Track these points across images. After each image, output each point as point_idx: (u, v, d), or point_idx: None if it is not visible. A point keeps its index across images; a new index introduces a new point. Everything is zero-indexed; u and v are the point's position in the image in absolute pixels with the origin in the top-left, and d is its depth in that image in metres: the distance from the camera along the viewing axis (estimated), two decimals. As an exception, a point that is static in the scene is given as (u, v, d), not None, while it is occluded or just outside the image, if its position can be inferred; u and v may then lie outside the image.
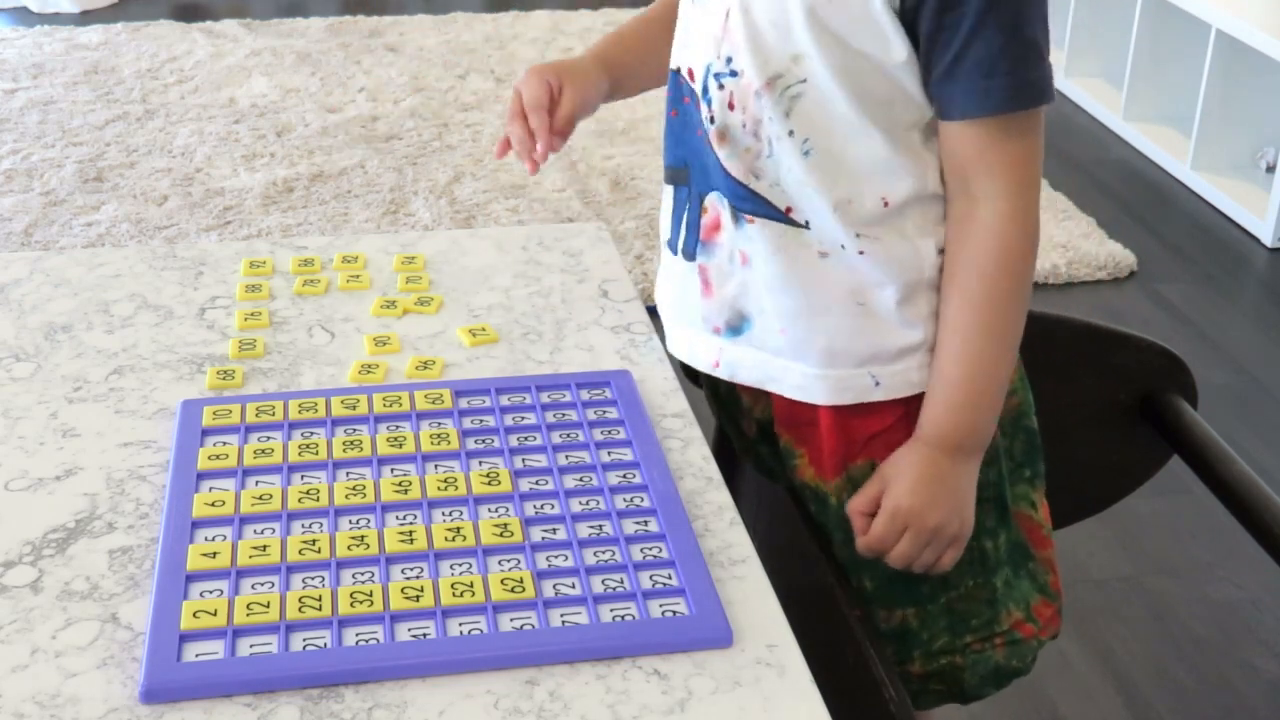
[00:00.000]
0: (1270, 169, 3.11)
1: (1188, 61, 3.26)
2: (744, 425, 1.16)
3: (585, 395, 1.06)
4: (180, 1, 4.26)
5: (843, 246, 1.00)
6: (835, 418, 1.05)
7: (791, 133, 0.98)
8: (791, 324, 1.02)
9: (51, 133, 3.25)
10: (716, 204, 1.04)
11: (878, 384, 1.02)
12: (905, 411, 1.04)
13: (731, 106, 1.00)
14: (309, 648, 0.82)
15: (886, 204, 0.98)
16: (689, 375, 1.24)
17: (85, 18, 4.07)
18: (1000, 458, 1.07)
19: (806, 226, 1.00)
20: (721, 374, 1.09)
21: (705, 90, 1.01)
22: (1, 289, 1.21)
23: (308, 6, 4.25)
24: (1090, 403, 1.28)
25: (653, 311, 1.17)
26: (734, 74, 0.99)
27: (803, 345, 1.03)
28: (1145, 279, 2.85)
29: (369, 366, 1.10)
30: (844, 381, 1.03)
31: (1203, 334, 2.65)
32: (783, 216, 1.01)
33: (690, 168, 1.05)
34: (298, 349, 1.13)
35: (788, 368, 1.04)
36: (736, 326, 1.06)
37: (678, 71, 1.05)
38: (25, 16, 4.07)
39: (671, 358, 1.20)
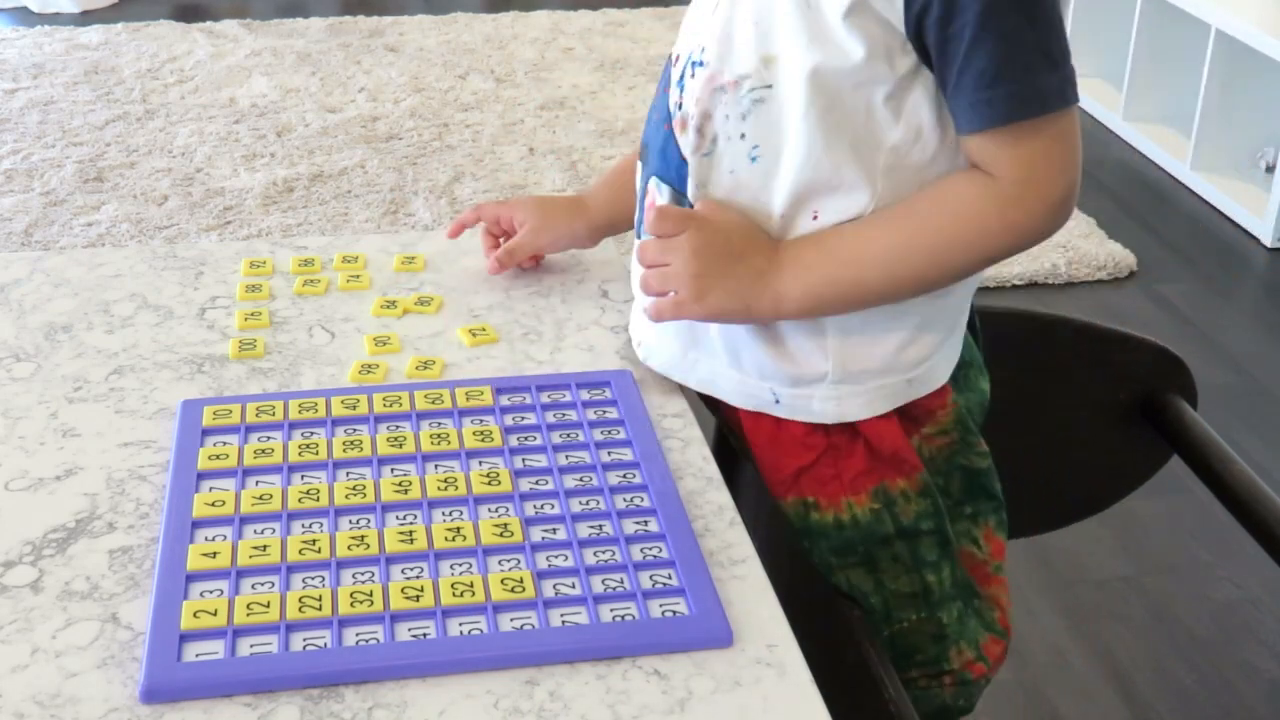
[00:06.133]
0: (1270, 169, 3.11)
1: (1187, 61, 3.26)
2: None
3: (585, 395, 1.06)
4: (180, 1, 4.26)
5: None
6: (765, 444, 1.04)
7: (744, 135, 0.96)
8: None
9: (51, 133, 3.25)
10: (654, 189, 1.03)
11: (778, 401, 1.01)
12: (828, 444, 1.01)
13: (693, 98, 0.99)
14: (309, 648, 0.82)
15: (816, 217, 0.96)
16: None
17: (85, 18, 4.07)
18: (934, 493, 1.03)
19: None
20: (639, 354, 1.09)
21: (681, 77, 1.00)
22: (1, 289, 1.21)
23: (308, 6, 4.25)
24: (1090, 403, 1.28)
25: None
26: (701, 64, 0.97)
27: (714, 340, 1.02)
28: (1145, 279, 2.85)
29: (369, 366, 1.10)
30: (747, 387, 1.02)
31: (1203, 334, 2.65)
32: None
33: (648, 149, 1.05)
34: (298, 349, 1.13)
35: (698, 360, 1.04)
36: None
37: (670, 55, 1.04)
38: (25, 16, 4.07)
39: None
